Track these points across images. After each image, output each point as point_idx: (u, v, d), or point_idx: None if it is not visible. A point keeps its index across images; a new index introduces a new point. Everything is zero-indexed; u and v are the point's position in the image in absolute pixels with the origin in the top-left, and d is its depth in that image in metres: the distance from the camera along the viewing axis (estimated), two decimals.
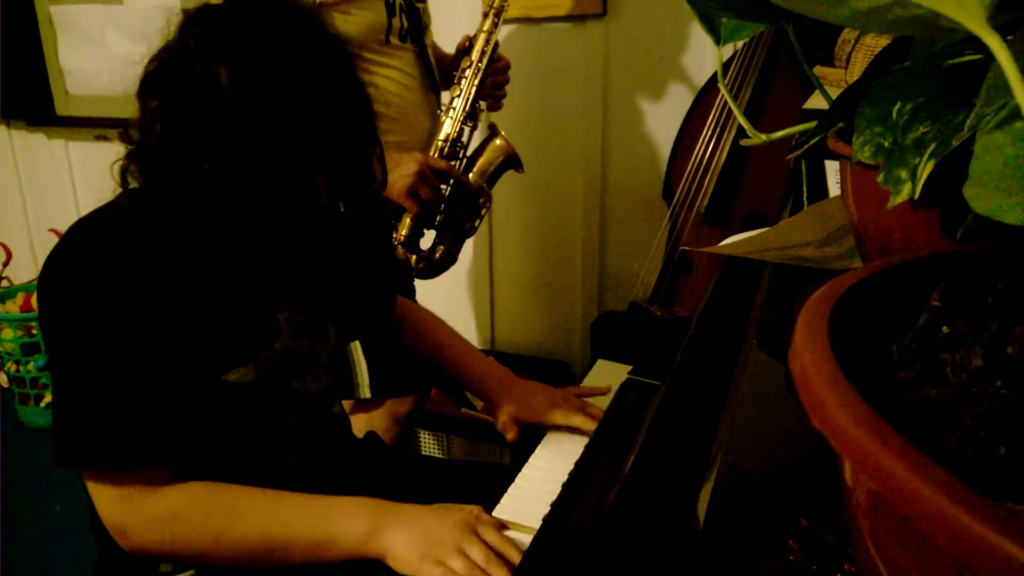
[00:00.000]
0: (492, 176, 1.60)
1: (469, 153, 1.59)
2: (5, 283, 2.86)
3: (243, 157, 0.80)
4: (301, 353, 0.99)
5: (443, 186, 1.55)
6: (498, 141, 1.58)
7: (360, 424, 1.54)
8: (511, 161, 1.59)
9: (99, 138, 2.75)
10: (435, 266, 1.61)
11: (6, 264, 2.90)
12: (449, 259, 1.63)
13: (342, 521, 0.84)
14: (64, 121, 2.79)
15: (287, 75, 0.81)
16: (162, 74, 0.83)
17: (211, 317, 0.89)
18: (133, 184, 0.88)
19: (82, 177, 2.88)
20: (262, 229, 0.89)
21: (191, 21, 0.83)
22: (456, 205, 1.58)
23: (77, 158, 2.86)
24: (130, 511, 0.84)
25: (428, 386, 1.96)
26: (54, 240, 3.10)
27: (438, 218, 1.58)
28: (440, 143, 1.55)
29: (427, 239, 1.63)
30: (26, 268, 3.03)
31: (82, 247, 0.85)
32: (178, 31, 0.83)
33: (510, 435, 1.08)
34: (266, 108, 0.80)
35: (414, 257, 1.59)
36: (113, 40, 2.64)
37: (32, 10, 2.68)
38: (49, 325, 0.85)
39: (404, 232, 1.56)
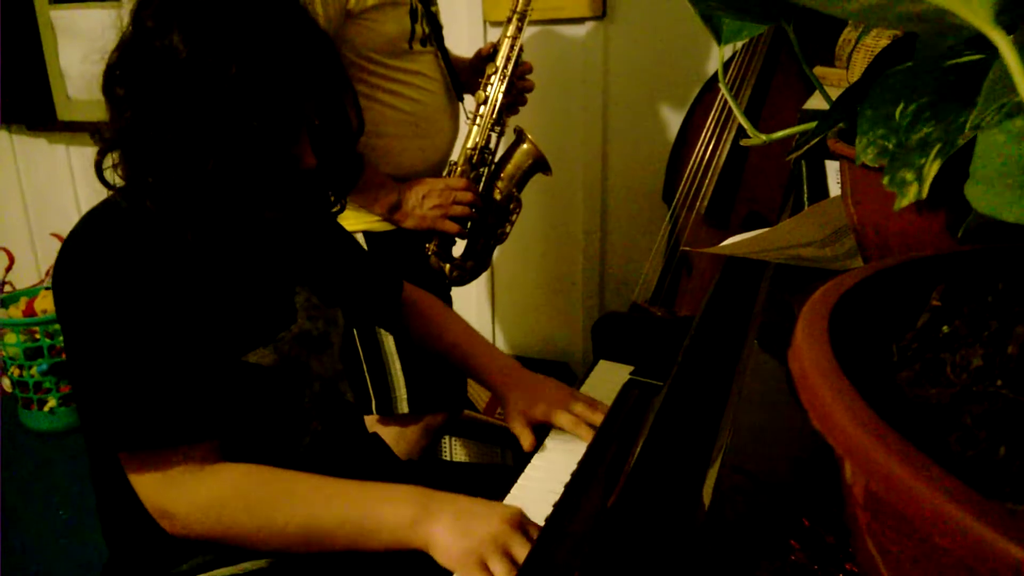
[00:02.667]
0: (521, 180, 1.60)
1: (497, 159, 1.59)
2: (8, 288, 2.87)
3: (218, 119, 0.81)
4: (316, 336, 1.00)
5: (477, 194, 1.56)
6: (526, 145, 1.57)
7: (392, 436, 1.56)
8: (539, 165, 1.59)
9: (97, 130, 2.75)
10: (468, 273, 1.62)
11: (8, 269, 2.90)
12: (482, 265, 1.64)
13: (388, 507, 0.83)
14: (65, 125, 2.80)
15: (241, 27, 0.81)
16: (124, 62, 0.84)
17: (228, 300, 0.90)
18: (119, 182, 0.89)
19: (84, 181, 2.89)
20: (259, 197, 0.89)
21: (142, 5, 0.84)
22: (485, 212, 1.58)
23: (78, 162, 2.87)
24: (174, 494, 0.83)
25: (461, 402, 1.97)
26: (56, 244, 3.09)
27: (468, 225, 1.58)
28: (468, 151, 1.55)
29: (458, 246, 1.64)
30: (28, 273, 3.04)
31: (94, 237, 0.85)
32: (132, 19, 0.84)
33: (526, 443, 1.05)
34: (226, 62, 0.80)
35: (447, 266, 1.59)
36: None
37: (32, 14, 2.69)
38: (69, 316, 0.85)
39: (435, 243, 1.57)
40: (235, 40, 0.81)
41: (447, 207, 1.50)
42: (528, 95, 1.65)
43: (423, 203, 1.49)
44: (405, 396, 1.56)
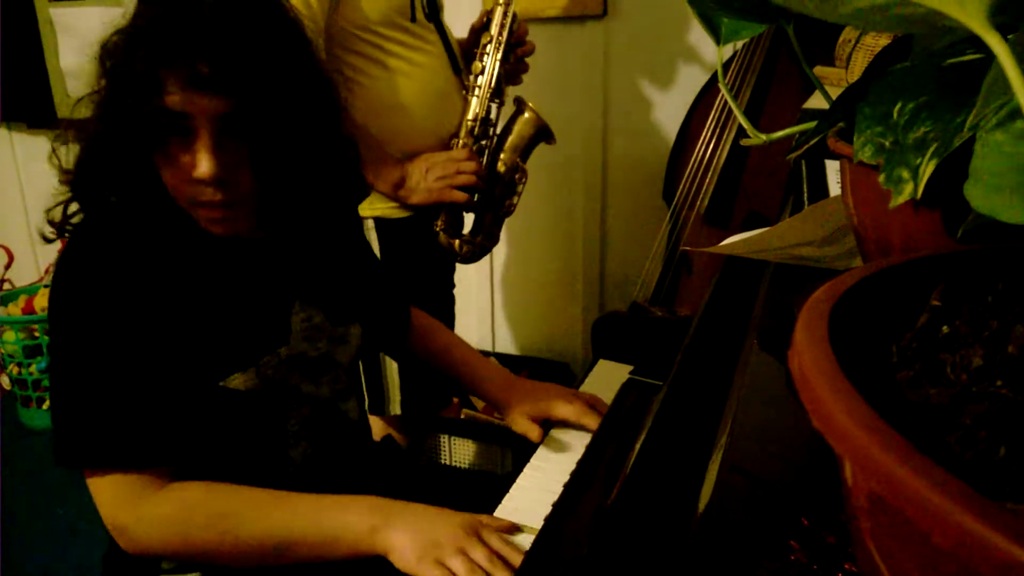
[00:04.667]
0: (525, 150, 1.57)
1: (499, 131, 1.57)
2: (7, 286, 2.86)
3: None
4: (313, 357, 0.97)
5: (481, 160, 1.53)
6: (527, 114, 1.55)
7: (376, 430, 1.55)
8: (542, 133, 1.56)
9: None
10: (478, 249, 1.59)
11: (7, 267, 2.90)
12: (491, 240, 1.61)
13: (346, 518, 0.84)
14: (65, 124, 2.80)
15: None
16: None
17: (211, 323, 0.89)
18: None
19: None
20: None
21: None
22: (492, 184, 1.55)
23: None
24: (131, 511, 0.84)
25: (448, 400, 1.97)
26: (55, 243, 3.07)
27: (475, 197, 1.55)
28: (469, 123, 1.52)
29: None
30: (28, 271, 3.03)
31: (82, 252, 0.86)
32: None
33: (534, 435, 1.05)
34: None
35: (457, 242, 1.56)
36: None
37: (32, 12, 2.68)
38: (52, 328, 0.87)
39: (443, 219, 1.54)
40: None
41: (451, 177, 1.48)
42: (529, 94, 1.65)
43: (427, 176, 1.47)
44: (399, 398, 1.56)
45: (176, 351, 0.86)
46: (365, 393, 1.55)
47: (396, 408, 1.57)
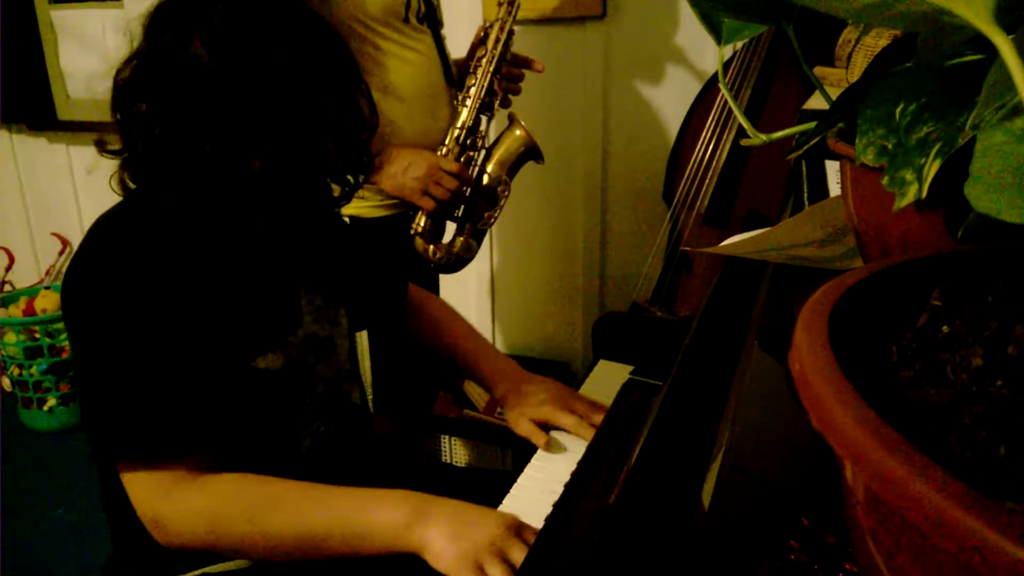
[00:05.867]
0: (512, 167, 1.58)
1: (488, 143, 1.58)
2: (8, 287, 2.87)
3: (255, 124, 0.82)
4: (322, 338, 1.01)
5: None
6: (517, 131, 1.56)
7: None
8: (531, 151, 1.57)
9: (100, 142, 2.75)
10: (455, 258, 1.59)
11: (8, 268, 2.90)
12: (468, 251, 1.60)
13: (381, 511, 0.82)
14: (66, 125, 2.80)
15: (263, 34, 0.83)
16: (143, 78, 0.84)
17: (239, 304, 0.90)
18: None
19: (84, 181, 2.88)
20: (289, 195, 0.90)
21: (156, 19, 0.85)
22: (474, 196, 1.56)
23: (79, 162, 2.87)
24: (167, 503, 0.83)
25: (430, 403, 1.95)
26: (56, 244, 3.07)
27: (459, 211, 1.56)
28: (457, 131, 1.53)
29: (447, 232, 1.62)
30: (28, 272, 3.04)
31: (108, 242, 0.86)
32: (146, 34, 0.85)
33: (541, 441, 1.04)
34: (251, 71, 0.81)
35: (432, 248, 1.56)
36: (114, 43, 2.65)
37: (33, 14, 2.69)
38: (76, 321, 0.86)
39: (422, 223, 1.54)
40: (257, 45, 0.82)
41: (429, 184, 1.47)
42: (529, 94, 1.65)
43: (406, 171, 1.46)
44: (371, 397, 1.55)
45: (209, 336, 0.86)
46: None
47: (368, 407, 1.56)
